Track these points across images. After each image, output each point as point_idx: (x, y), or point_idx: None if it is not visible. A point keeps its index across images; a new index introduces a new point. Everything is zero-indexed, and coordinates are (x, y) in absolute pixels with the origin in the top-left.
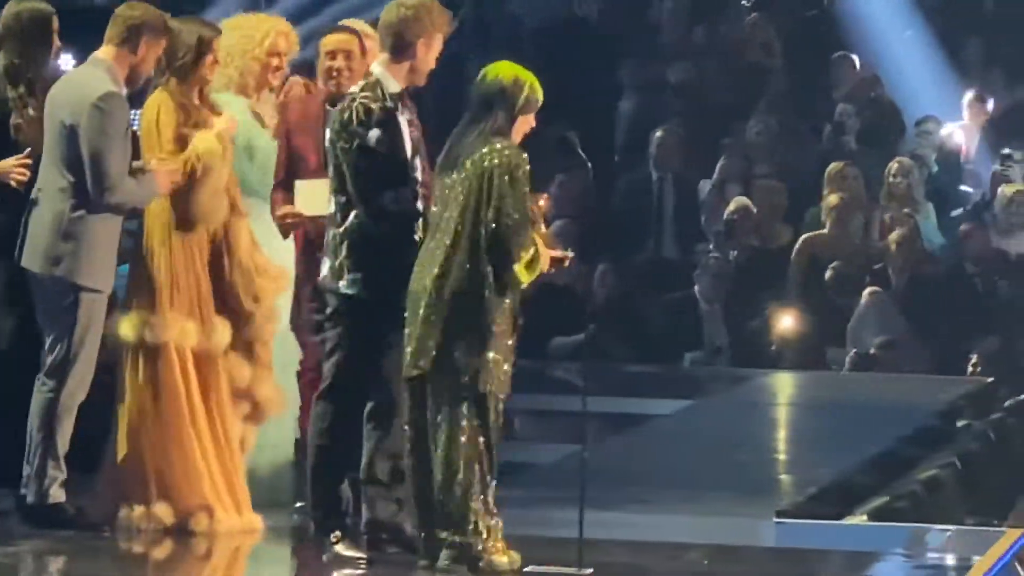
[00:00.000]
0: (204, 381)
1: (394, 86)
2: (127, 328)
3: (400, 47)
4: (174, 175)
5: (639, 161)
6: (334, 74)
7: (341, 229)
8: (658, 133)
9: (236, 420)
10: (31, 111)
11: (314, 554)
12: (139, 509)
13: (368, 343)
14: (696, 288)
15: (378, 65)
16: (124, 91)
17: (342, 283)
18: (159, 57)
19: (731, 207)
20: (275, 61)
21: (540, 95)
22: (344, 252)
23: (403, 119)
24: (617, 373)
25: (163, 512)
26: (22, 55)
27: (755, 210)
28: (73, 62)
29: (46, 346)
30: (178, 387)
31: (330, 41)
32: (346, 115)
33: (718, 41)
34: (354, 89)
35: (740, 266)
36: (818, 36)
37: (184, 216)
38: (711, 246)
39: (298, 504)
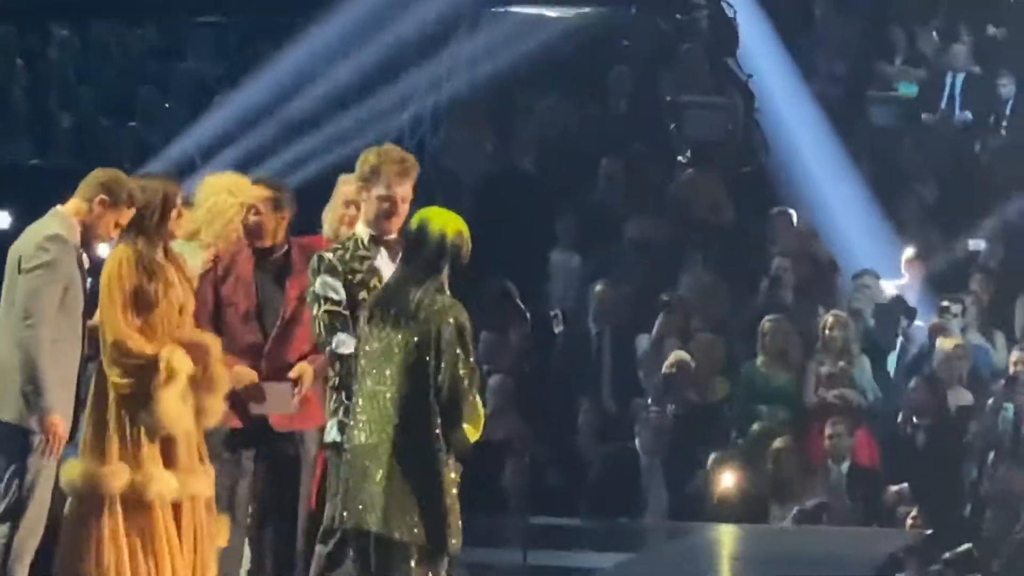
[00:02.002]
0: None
1: None
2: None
3: None
4: None
5: (579, 314)
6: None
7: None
8: (598, 287)
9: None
10: None
11: None
12: None
13: None
14: (636, 442)
15: None
16: (75, 241)
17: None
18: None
19: (669, 361)
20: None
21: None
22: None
23: None
24: (558, 527)
25: None
26: None
27: (693, 364)
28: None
29: None
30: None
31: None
32: None
33: (658, 197)
34: None
35: (679, 419)
36: (755, 191)
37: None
38: (649, 400)
39: None
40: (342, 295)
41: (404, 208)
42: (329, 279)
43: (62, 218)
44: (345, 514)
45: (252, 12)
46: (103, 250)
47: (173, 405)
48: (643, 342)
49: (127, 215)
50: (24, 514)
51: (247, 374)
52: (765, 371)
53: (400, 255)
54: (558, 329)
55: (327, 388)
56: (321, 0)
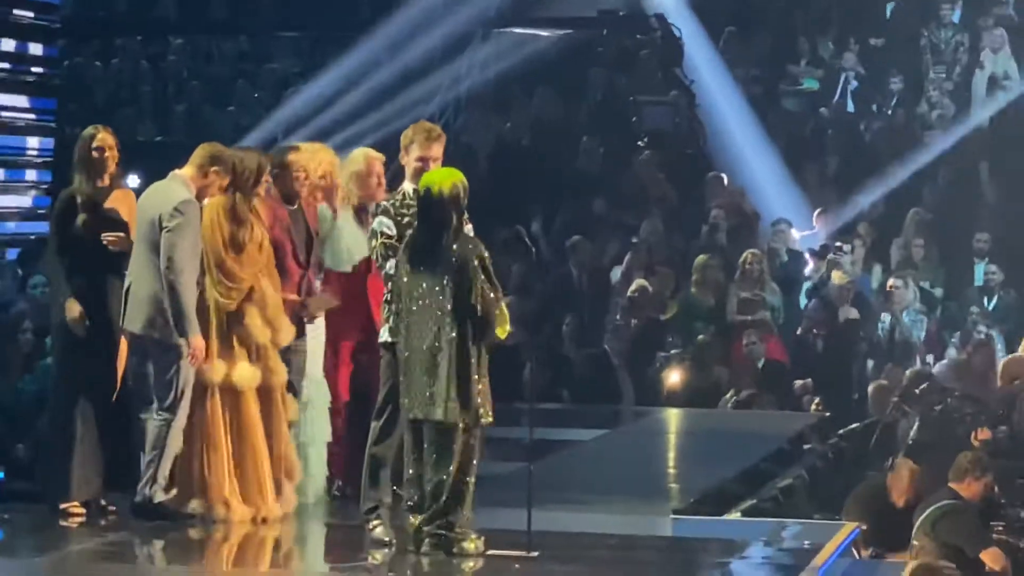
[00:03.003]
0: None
1: None
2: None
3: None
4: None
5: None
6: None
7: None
8: (575, 238)
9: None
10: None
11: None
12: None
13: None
14: (607, 347)
15: None
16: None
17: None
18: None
19: (633, 287)
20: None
21: (466, 187)
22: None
23: None
24: (553, 410)
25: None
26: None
27: (651, 289)
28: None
29: (153, 387)
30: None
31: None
32: None
33: (624, 167)
34: None
35: (639, 330)
36: (696, 163)
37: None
38: (618, 316)
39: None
40: (394, 231)
41: (436, 167)
42: (385, 219)
43: (183, 181)
44: (405, 400)
45: (319, 27)
46: None
47: (258, 321)
48: (616, 273)
49: (227, 180)
50: (180, 404)
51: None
52: (698, 296)
53: (417, 213)
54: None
55: (382, 302)
56: (369, 19)
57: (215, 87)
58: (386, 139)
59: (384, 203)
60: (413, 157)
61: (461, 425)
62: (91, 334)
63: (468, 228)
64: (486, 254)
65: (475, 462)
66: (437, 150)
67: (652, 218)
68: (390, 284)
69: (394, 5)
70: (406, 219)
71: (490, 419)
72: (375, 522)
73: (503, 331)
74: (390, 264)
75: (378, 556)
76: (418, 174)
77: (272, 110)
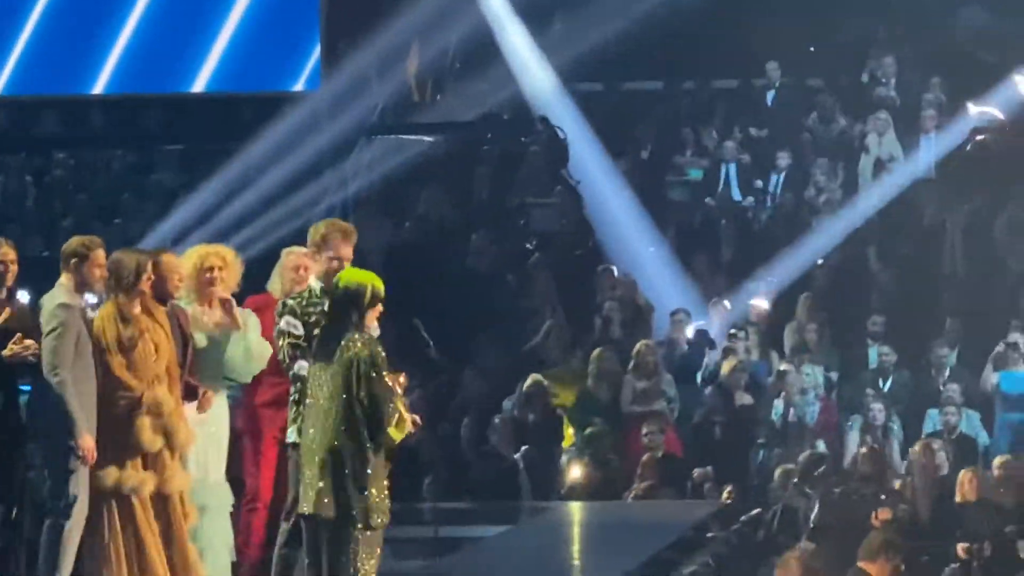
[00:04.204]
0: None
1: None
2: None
3: None
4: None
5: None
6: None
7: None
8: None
9: None
10: None
11: None
12: None
13: None
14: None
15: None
16: (78, 303)
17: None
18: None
19: (528, 382)
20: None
21: (381, 290)
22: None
23: None
24: (455, 508)
25: None
26: None
27: (546, 383)
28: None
29: (49, 491)
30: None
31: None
32: None
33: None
34: None
35: (536, 425)
36: (585, 261)
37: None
38: (515, 411)
39: None
40: (301, 331)
41: (347, 266)
42: (291, 319)
43: (63, 287)
44: (298, 499)
45: (202, 138)
46: None
47: (148, 429)
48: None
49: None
50: (74, 507)
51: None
52: (595, 390)
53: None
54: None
55: (289, 401)
56: (253, 127)
57: (101, 200)
58: (273, 245)
59: (289, 301)
60: (326, 255)
61: (355, 524)
62: None
63: (374, 328)
64: (379, 350)
65: (372, 561)
66: (350, 249)
67: (545, 315)
68: (298, 384)
69: (275, 113)
70: (313, 318)
71: (384, 520)
72: None
73: (397, 431)
74: (298, 365)
75: None
76: (332, 273)
77: (159, 221)
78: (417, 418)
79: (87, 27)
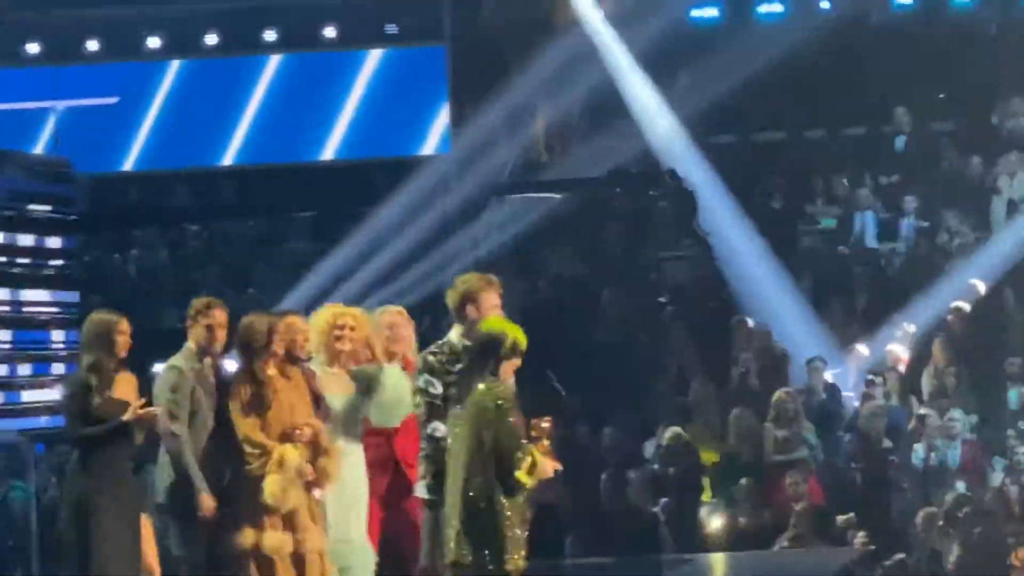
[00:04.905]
0: None
1: None
2: None
3: None
4: None
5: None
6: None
7: None
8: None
9: None
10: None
11: None
12: None
13: None
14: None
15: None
16: (195, 362)
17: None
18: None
19: (668, 435)
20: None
21: (523, 342)
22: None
23: None
24: (595, 564)
25: None
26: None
27: (687, 437)
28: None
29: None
30: None
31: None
32: None
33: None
34: None
35: (678, 480)
36: (719, 313)
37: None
38: (656, 466)
39: None
40: (440, 390)
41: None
42: (431, 378)
43: (185, 351)
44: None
45: (333, 204)
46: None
47: (277, 488)
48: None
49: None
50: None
51: None
52: (736, 449)
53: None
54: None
55: (420, 457)
56: (383, 192)
57: (234, 271)
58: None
59: (430, 358)
60: (486, 305)
61: (491, 570)
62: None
63: (510, 380)
64: (508, 395)
65: None
66: (495, 297)
67: (681, 367)
68: (431, 443)
69: (405, 176)
70: (452, 376)
71: (521, 566)
72: None
73: (528, 476)
74: (433, 426)
75: None
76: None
77: (292, 289)
78: (558, 465)
79: (216, 100)
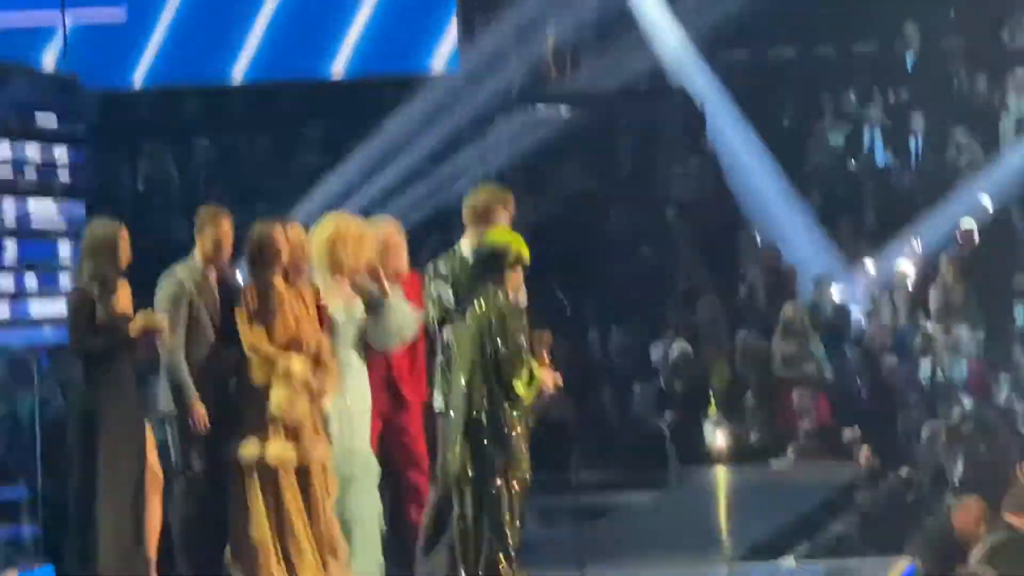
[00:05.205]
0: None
1: None
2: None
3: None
4: None
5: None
6: None
7: None
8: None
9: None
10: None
11: None
12: None
13: None
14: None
15: None
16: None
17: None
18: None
19: (675, 352)
20: None
21: (525, 252)
22: None
23: None
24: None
25: None
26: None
27: (692, 353)
28: None
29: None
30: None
31: None
32: None
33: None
34: None
35: (684, 395)
36: (727, 228)
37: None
38: (662, 382)
39: None
40: (451, 299)
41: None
42: (444, 286)
43: (189, 259)
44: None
45: (342, 119)
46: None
47: (283, 400)
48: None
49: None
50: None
51: None
52: (744, 370)
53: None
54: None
55: (437, 368)
56: (393, 109)
57: (243, 185)
58: (415, 223)
59: (441, 267)
60: (480, 222)
61: (494, 483)
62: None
63: (521, 292)
64: (511, 306)
65: (515, 521)
66: (505, 216)
67: (689, 283)
68: (444, 352)
69: (414, 93)
70: (461, 285)
71: (524, 478)
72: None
73: (527, 389)
74: (445, 331)
75: None
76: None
77: (299, 203)
78: (558, 377)
79: (224, 16)
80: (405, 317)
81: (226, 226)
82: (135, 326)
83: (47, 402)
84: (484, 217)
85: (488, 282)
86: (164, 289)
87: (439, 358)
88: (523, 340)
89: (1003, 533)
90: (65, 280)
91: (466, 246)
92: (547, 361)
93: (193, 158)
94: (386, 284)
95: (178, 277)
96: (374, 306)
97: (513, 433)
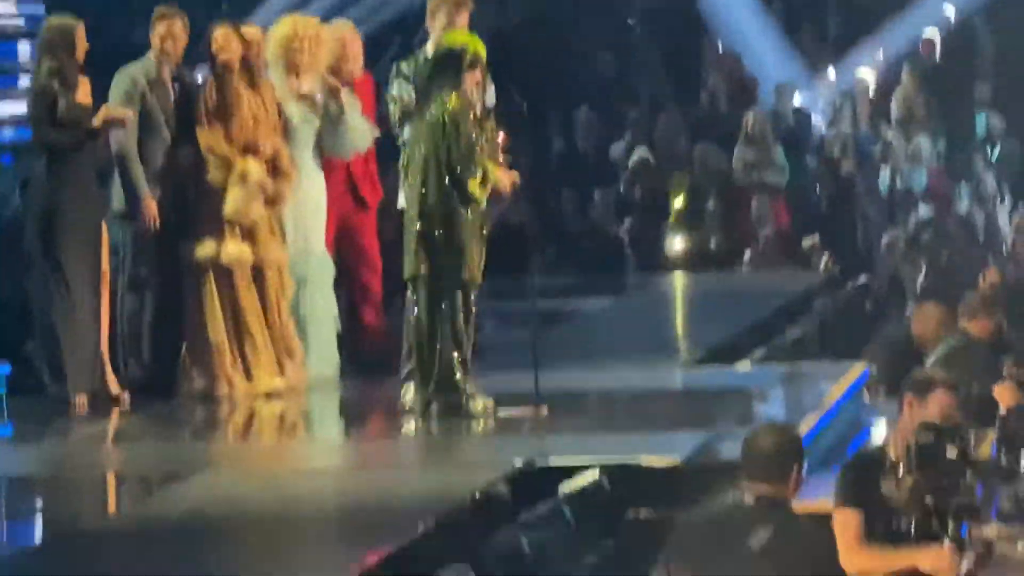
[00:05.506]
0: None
1: None
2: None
3: None
4: None
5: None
6: None
7: None
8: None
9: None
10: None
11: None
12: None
13: None
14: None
15: None
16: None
17: None
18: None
19: (634, 158)
20: None
21: (482, 51)
22: None
23: None
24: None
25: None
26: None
27: (652, 160)
28: None
29: None
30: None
31: None
32: None
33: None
34: None
35: (643, 203)
36: (688, 34)
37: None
38: (621, 188)
39: None
40: (412, 97)
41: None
42: (405, 84)
43: (144, 59)
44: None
45: None
46: None
47: (239, 201)
48: (618, 148)
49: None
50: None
51: None
52: (703, 180)
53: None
54: None
55: (400, 167)
56: None
57: None
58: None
59: (403, 66)
60: (439, 24)
61: (447, 281)
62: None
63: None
64: (465, 106)
65: (468, 324)
66: (465, 16)
67: (650, 90)
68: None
69: None
70: (423, 85)
71: (475, 277)
72: (405, 387)
73: (480, 188)
74: (407, 130)
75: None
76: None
77: (260, 6)
78: (515, 176)
79: None
80: (361, 129)
81: (178, 25)
82: (98, 118)
83: (5, 200)
84: (443, 18)
85: (445, 82)
86: (117, 85)
87: (401, 158)
88: (476, 139)
89: (959, 337)
90: (25, 81)
91: (430, 48)
92: (502, 161)
93: None
94: (343, 97)
95: (131, 74)
96: (331, 119)
97: (466, 235)
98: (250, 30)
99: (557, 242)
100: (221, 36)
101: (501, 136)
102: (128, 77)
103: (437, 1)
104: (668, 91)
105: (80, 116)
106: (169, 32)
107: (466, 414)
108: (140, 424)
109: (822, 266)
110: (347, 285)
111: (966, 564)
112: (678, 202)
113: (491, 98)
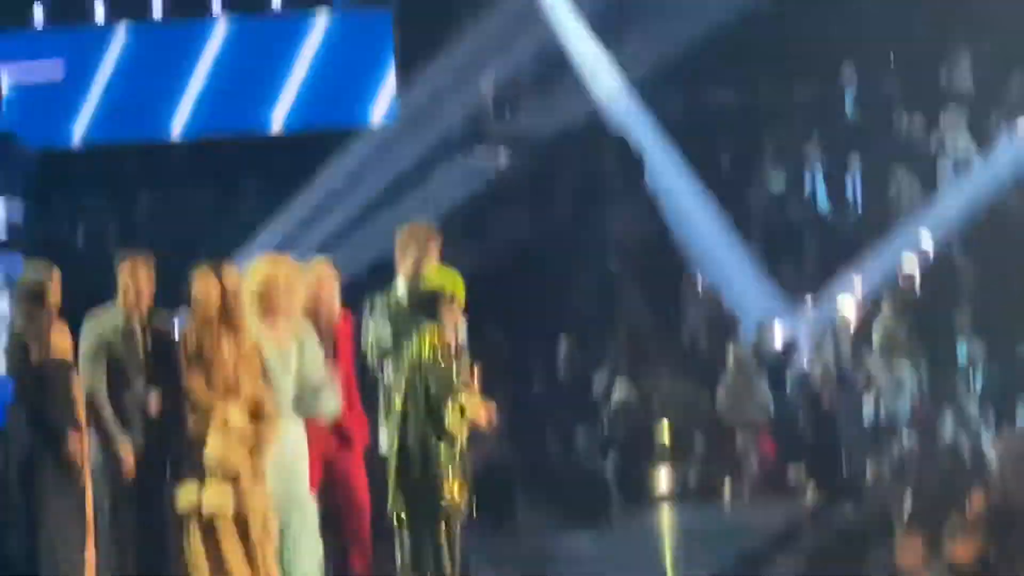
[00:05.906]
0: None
1: None
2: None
3: None
4: None
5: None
6: None
7: None
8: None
9: None
10: None
11: None
12: None
13: None
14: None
15: None
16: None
17: None
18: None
19: (615, 400)
20: None
21: (460, 290)
22: None
23: None
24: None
25: None
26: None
27: (634, 401)
28: None
29: None
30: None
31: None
32: None
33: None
34: None
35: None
36: (668, 271)
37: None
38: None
39: None
40: (390, 343)
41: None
42: (382, 322)
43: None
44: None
45: (280, 174)
46: None
47: (219, 448)
48: (601, 379)
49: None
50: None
51: None
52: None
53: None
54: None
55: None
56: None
57: (183, 241)
58: (356, 271)
59: (380, 303)
60: (410, 260)
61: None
62: None
63: (459, 326)
64: (438, 342)
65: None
66: (433, 248)
67: (629, 326)
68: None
69: (352, 142)
70: (400, 323)
71: (459, 514)
72: None
73: (457, 422)
74: (387, 374)
75: None
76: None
77: (240, 255)
78: (491, 408)
79: (162, 70)
80: (332, 401)
81: (143, 272)
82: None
83: None
84: (412, 253)
85: (425, 320)
86: (85, 339)
87: (380, 397)
88: (454, 373)
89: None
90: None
91: (401, 284)
92: (476, 391)
93: (133, 214)
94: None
95: (97, 327)
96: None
97: (444, 472)
98: (229, 272)
99: (538, 478)
100: (201, 281)
101: (475, 366)
102: (94, 333)
103: (406, 238)
104: (648, 327)
105: (52, 369)
106: (136, 279)
107: None
108: None
109: (807, 497)
110: (334, 529)
111: None
112: (662, 439)
113: (463, 332)
